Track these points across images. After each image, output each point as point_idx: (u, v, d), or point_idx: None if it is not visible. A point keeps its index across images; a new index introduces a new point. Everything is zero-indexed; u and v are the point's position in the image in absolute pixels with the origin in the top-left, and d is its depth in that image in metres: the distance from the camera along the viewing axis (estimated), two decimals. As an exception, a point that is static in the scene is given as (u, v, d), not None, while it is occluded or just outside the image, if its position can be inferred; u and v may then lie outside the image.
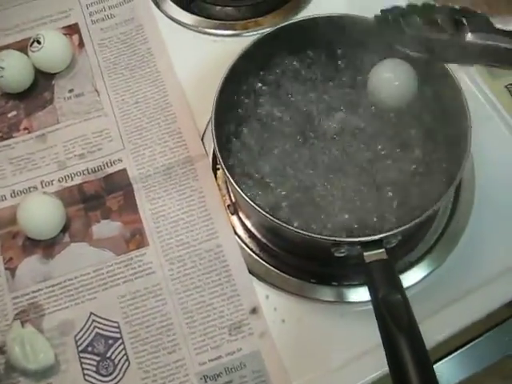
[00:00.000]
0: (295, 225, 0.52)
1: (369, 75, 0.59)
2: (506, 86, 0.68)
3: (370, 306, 0.55)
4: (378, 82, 0.58)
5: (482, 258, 0.60)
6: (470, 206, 0.62)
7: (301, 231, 0.48)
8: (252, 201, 0.50)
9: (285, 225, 0.48)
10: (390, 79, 0.58)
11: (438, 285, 0.59)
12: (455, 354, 0.62)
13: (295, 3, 0.74)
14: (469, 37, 0.48)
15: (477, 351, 0.63)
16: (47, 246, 0.61)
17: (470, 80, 0.68)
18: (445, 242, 0.60)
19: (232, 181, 0.52)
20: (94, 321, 0.58)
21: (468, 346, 0.62)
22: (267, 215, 0.49)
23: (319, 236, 0.49)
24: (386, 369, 0.52)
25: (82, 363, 0.56)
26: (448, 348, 0.62)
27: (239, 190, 0.51)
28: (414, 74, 0.58)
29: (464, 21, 0.49)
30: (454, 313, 0.57)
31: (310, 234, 0.49)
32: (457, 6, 0.50)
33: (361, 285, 0.58)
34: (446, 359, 0.62)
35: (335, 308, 0.58)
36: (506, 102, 0.67)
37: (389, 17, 0.52)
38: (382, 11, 0.53)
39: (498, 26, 0.47)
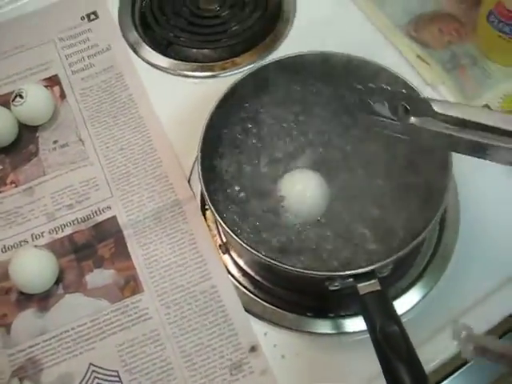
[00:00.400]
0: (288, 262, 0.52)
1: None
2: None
3: (368, 335, 0.57)
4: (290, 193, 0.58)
5: (473, 277, 0.61)
6: (456, 228, 0.63)
7: (294, 268, 0.49)
8: (243, 241, 0.51)
9: (278, 263, 0.49)
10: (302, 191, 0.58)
11: (432, 308, 0.59)
12: (454, 375, 0.63)
13: (270, 41, 0.76)
14: (412, 120, 0.51)
15: (475, 371, 0.64)
16: (41, 300, 0.61)
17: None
18: (435, 266, 0.61)
19: (221, 221, 0.52)
20: (93, 371, 0.57)
21: (465, 366, 0.63)
22: (259, 254, 0.49)
23: (312, 272, 0.49)
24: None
25: (84, 416, 0.56)
26: (446, 370, 0.63)
27: (229, 231, 0.52)
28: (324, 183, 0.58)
29: (407, 106, 0.51)
30: (449, 336, 0.57)
31: (303, 270, 0.49)
32: (404, 90, 0.52)
33: (357, 314, 0.58)
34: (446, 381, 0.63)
35: (334, 339, 0.58)
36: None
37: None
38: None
39: (439, 110, 0.48)
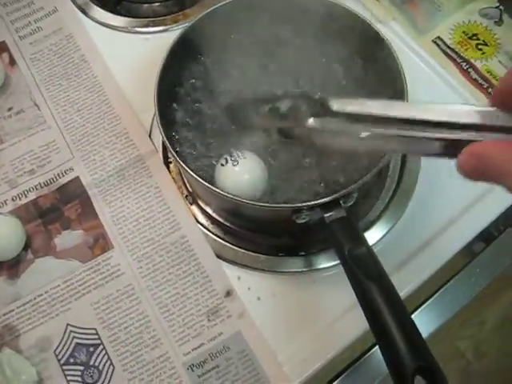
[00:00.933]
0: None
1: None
2: (432, 41, 0.70)
3: (339, 269, 0.57)
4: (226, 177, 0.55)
5: (436, 207, 0.62)
6: (418, 160, 0.64)
7: (262, 203, 0.49)
8: (208, 183, 0.51)
9: (245, 200, 0.49)
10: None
11: (400, 239, 0.60)
12: (425, 305, 0.65)
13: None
14: (311, 122, 0.45)
15: (446, 297, 0.66)
16: (11, 267, 0.60)
17: (398, 38, 0.70)
18: (399, 198, 0.62)
19: (184, 166, 0.52)
20: (71, 332, 0.57)
21: (436, 294, 0.65)
22: (225, 194, 0.50)
23: (280, 205, 0.50)
24: (363, 326, 0.55)
25: (66, 376, 0.56)
26: (418, 300, 0.64)
27: (193, 174, 0.51)
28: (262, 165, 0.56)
29: (305, 107, 0.46)
30: (419, 263, 0.59)
31: (270, 204, 0.49)
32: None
33: (327, 250, 0.59)
34: (416, 312, 0.64)
35: (307, 276, 0.59)
36: (436, 56, 0.69)
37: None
38: None
39: (335, 107, 0.42)
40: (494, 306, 1.34)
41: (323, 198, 0.49)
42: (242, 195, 0.51)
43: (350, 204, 0.50)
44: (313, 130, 0.44)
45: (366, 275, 0.44)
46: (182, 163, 0.52)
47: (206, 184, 0.51)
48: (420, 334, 0.42)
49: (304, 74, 0.61)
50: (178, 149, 0.57)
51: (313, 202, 0.48)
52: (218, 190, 0.50)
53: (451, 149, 0.35)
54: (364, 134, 0.40)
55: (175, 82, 0.60)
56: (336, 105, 0.42)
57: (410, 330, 0.42)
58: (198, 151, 0.57)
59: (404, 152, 0.53)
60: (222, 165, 0.54)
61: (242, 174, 0.54)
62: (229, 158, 0.54)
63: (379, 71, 0.58)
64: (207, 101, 0.60)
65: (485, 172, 0.32)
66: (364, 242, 0.47)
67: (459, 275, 0.66)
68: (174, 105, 0.60)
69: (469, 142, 0.34)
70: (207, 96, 0.61)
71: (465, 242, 0.61)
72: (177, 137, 0.59)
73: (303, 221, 0.51)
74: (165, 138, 0.54)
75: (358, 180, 0.49)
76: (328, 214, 0.49)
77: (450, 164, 0.62)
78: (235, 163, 0.53)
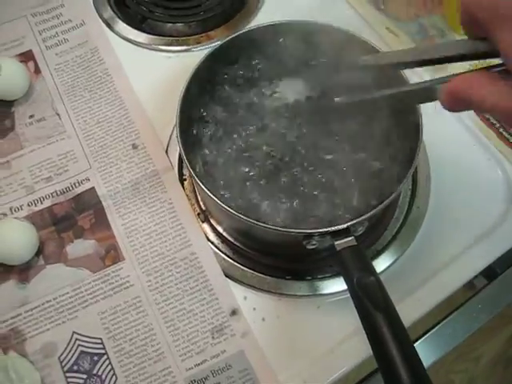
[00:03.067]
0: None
1: None
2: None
3: (344, 296, 0.59)
4: None
5: (444, 239, 0.63)
6: (427, 191, 0.65)
7: (273, 227, 0.50)
8: (220, 201, 0.52)
9: (257, 222, 0.50)
10: None
11: (405, 270, 0.61)
12: (424, 337, 0.65)
13: (244, 15, 0.77)
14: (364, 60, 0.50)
15: (446, 331, 0.66)
16: (22, 271, 0.61)
17: (415, 75, 0.71)
18: (408, 228, 0.63)
19: (199, 182, 0.53)
20: (76, 339, 0.58)
21: (436, 327, 0.66)
22: (238, 214, 0.51)
23: (291, 230, 0.51)
24: (367, 352, 0.56)
25: (68, 383, 0.56)
26: (417, 332, 0.65)
27: (206, 191, 0.52)
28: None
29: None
30: (422, 295, 0.60)
31: (282, 228, 0.51)
32: None
33: (333, 276, 0.60)
34: (416, 343, 0.65)
35: (311, 301, 0.60)
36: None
37: None
38: None
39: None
40: (490, 342, 1.34)
41: (334, 225, 0.50)
42: None
43: (360, 233, 0.52)
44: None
45: (374, 305, 0.45)
46: (198, 180, 0.53)
47: (219, 202, 0.52)
48: (424, 368, 0.43)
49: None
50: (195, 168, 0.58)
51: (324, 230, 0.50)
52: (231, 210, 0.51)
53: None
54: None
55: (197, 99, 0.61)
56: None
57: (415, 363, 0.43)
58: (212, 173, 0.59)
59: None
60: None
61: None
62: None
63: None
64: (225, 124, 0.62)
65: (467, 100, 0.38)
66: (373, 271, 0.48)
67: (460, 309, 0.67)
68: (193, 123, 0.62)
69: None
70: (226, 118, 0.62)
71: (469, 277, 0.62)
72: (194, 153, 0.60)
73: (313, 247, 0.52)
74: (183, 152, 0.55)
75: (370, 210, 0.50)
76: (338, 242, 0.50)
77: (459, 197, 0.64)
78: None
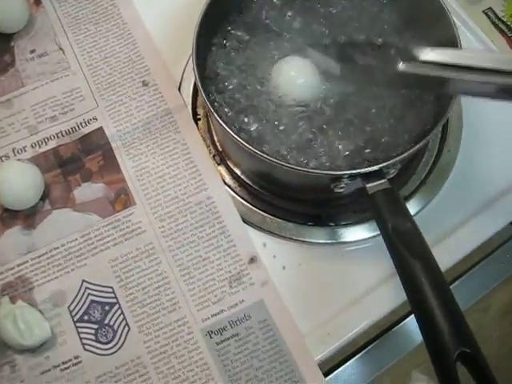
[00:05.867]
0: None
1: (271, 72, 0.56)
2: (483, 11, 0.67)
3: (369, 244, 0.56)
4: (282, 80, 0.55)
5: (475, 186, 0.60)
6: (458, 135, 0.61)
7: (301, 168, 0.46)
8: (242, 139, 0.48)
9: (282, 163, 0.46)
10: (293, 77, 0.55)
11: (434, 216, 0.58)
12: (456, 282, 0.63)
13: None
14: (401, 67, 0.48)
15: (485, 272, 0.64)
16: (28, 216, 0.58)
17: (447, 7, 0.66)
18: (437, 173, 0.60)
19: (217, 116, 0.49)
20: (87, 288, 0.55)
21: (468, 273, 0.63)
22: (260, 153, 0.46)
23: (320, 171, 0.47)
24: (394, 302, 0.53)
25: (79, 333, 0.54)
26: (455, 273, 0.62)
27: (224, 125, 0.48)
28: (315, 71, 0.55)
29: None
30: (453, 243, 0.57)
31: (310, 169, 0.47)
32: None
33: (357, 223, 0.57)
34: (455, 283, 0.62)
35: (335, 249, 0.57)
36: (485, 27, 0.66)
37: None
38: None
39: (422, 57, 0.47)
40: (499, 293, 1.32)
41: (366, 167, 0.46)
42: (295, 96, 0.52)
43: (392, 176, 0.48)
44: (402, 73, 0.48)
45: (411, 252, 0.42)
46: (214, 112, 0.49)
47: (239, 139, 0.48)
48: (465, 319, 0.40)
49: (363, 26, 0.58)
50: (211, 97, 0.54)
51: (355, 171, 0.46)
52: (252, 148, 0.47)
53: None
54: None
55: (214, 26, 0.57)
56: (422, 54, 0.46)
57: (455, 313, 0.40)
58: (231, 108, 0.54)
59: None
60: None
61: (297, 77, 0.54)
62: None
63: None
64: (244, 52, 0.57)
65: None
66: (409, 216, 0.44)
67: (488, 259, 0.64)
68: (210, 51, 0.57)
69: None
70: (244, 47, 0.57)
71: (502, 225, 0.59)
72: (209, 85, 0.55)
73: (341, 190, 0.48)
74: (199, 83, 0.50)
75: (405, 151, 0.46)
76: (370, 185, 0.46)
77: (492, 140, 0.60)
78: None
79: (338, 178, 0.47)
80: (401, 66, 0.47)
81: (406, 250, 0.42)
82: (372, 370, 0.58)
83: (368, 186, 0.46)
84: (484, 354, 0.39)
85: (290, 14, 0.58)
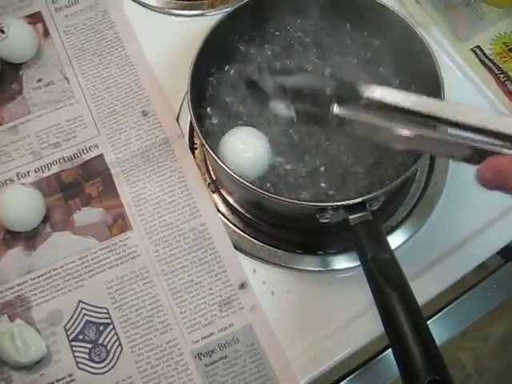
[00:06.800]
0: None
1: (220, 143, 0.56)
2: (471, 49, 0.69)
3: (356, 272, 0.57)
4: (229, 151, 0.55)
5: (461, 218, 0.62)
6: (445, 168, 0.63)
7: (286, 199, 0.49)
8: (233, 172, 0.50)
9: (269, 194, 0.49)
10: (241, 150, 0.54)
11: (420, 247, 0.60)
12: (438, 315, 0.64)
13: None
14: (335, 109, 0.46)
15: (460, 310, 0.65)
16: (29, 238, 0.60)
17: (436, 44, 0.68)
18: (424, 205, 0.62)
19: (210, 151, 0.51)
20: (82, 308, 0.57)
21: (450, 306, 0.64)
22: (251, 186, 0.49)
23: (305, 203, 0.49)
24: (378, 330, 0.54)
25: (74, 352, 0.56)
26: (430, 310, 0.64)
27: (217, 159, 0.51)
28: (266, 141, 0.56)
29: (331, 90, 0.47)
30: (437, 274, 0.59)
31: (296, 200, 0.49)
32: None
33: (345, 251, 0.59)
34: (430, 320, 0.64)
35: (322, 276, 0.59)
36: (473, 65, 0.68)
37: None
38: None
39: (366, 94, 0.43)
40: (499, 321, 1.33)
41: (350, 199, 0.48)
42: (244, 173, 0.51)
43: (375, 208, 0.50)
44: (337, 117, 0.44)
45: (388, 282, 0.43)
46: (208, 148, 0.51)
47: (231, 172, 0.50)
48: (437, 347, 0.41)
49: (337, 66, 0.60)
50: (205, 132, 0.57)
51: (339, 203, 0.48)
52: (244, 182, 0.50)
53: (479, 156, 0.38)
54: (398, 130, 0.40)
55: (209, 65, 0.59)
56: (368, 91, 0.42)
57: (428, 342, 0.41)
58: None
59: (431, 152, 0.51)
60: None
61: (245, 151, 0.54)
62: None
63: (415, 73, 0.57)
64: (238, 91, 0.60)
65: (501, 183, 0.36)
66: (388, 248, 0.46)
67: (475, 289, 0.66)
68: (203, 91, 0.60)
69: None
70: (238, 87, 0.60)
71: (485, 256, 0.60)
72: (205, 123, 0.58)
73: (326, 220, 0.50)
74: (194, 119, 0.53)
75: (387, 184, 0.48)
76: (353, 216, 0.48)
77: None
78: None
79: (323, 210, 0.49)
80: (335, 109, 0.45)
81: (384, 280, 0.43)
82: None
83: (351, 217, 0.48)
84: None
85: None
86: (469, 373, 1.29)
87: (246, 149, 0.54)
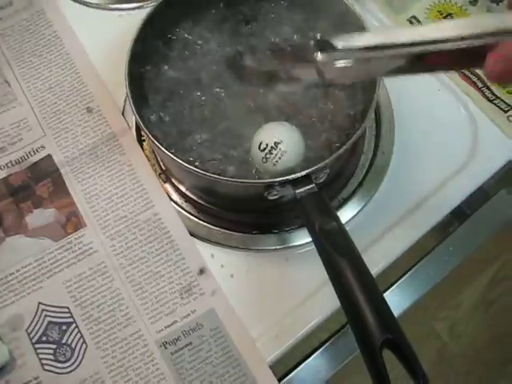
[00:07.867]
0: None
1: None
2: (408, 19, 0.70)
3: (312, 247, 0.57)
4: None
5: (411, 183, 0.63)
6: (392, 136, 0.64)
7: (234, 179, 0.49)
8: (180, 159, 0.50)
9: (214, 176, 0.49)
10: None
11: (373, 217, 0.61)
12: (397, 283, 0.65)
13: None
14: (319, 57, 0.46)
15: (419, 276, 0.66)
16: (-19, 245, 0.59)
17: (372, 17, 0.69)
18: (373, 175, 0.63)
19: (157, 143, 0.51)
20: (43, 310, 0.57)
21: (409, 273, 0.65)
22: (196, 170, 0.49)
23: (252, 181, 0.50)
24: (336, 303, 0.55)
25: (38, 354, 0.55)
26: (391, 279, 0.65)
27: (160, 146, 0.51)
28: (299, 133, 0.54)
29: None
30: (391, 241, 0.60)
31: (242, 180, 0.49)
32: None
33: (300, 228, 0.59)
34: (389, 290, 0.65)
35: (279, 254, 0.59)
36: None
37: None
38: None
39: (340, 45, 0.43)
40: (469, 288, 1.36)
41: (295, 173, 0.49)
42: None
43: (321, 180, 0.50)
44: (323, 65, 0.45)
45: (337, 250, 0.44)
46: (152, 138, 0.51)
47: (178, 160, 0.50)
48: (389, 308, 0.42)
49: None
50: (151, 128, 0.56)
51: (283, 178, 0.48)
52: (189, 166, 0.50)
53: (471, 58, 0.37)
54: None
55: (146, 59, 0.59)
56: (340, 43, 0.43)
57: (379, 303, 0.42)
58: (170, 129, 0.57)
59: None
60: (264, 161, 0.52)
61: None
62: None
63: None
64: (181, 76, 0.60)
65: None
66: (335, 217, 0.47)
67: (432, 254, 0.67)
68: (146, 83, 0.59)
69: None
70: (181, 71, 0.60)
71: (437, 219, 0.61)
72: (149, 115, 0.58)
73: (275, 197, 0.50)
74: (137, 116, 0.53)
75: (329, 156, 0.49)
76: (299, 190, 0.49)
77: (423, 140, 0.63)
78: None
79: (270, 186, 0.49)
80: (319, 56, 0.45)
81: (333, 248, 0.44)
82: (326, 371, 0.61)
83: (297, 191, 0.49)
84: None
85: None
86: (444, 340, 1.32)
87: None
